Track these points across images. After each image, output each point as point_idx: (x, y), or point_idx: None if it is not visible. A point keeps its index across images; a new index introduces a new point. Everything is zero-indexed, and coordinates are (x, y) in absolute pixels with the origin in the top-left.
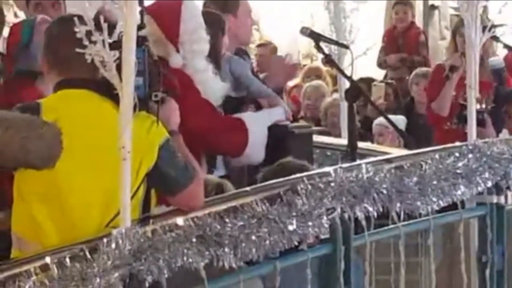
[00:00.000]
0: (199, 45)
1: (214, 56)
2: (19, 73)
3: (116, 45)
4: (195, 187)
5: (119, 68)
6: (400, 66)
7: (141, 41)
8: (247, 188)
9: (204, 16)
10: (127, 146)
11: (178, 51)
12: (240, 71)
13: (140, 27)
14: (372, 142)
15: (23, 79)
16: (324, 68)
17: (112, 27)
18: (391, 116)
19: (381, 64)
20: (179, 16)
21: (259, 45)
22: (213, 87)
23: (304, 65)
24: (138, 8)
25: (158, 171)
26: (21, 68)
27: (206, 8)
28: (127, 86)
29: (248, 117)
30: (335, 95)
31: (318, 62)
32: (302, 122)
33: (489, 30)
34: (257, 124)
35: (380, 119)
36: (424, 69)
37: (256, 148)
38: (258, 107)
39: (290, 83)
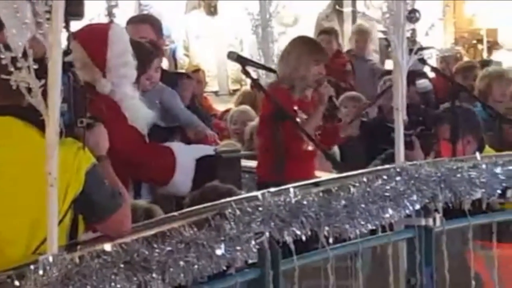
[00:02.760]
0: (126, 70)
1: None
2: None
3: (42, 71)
4: (122, 213)
5: (44, 95)
6: None
7: (67, 67)
8: (175, 213)
9: (133, 45)
10: (54, 172)
11: (105, 76)
12: (170, 102)
13: (66, 52)
14: None
15: None
16: (258, 93)
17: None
18: None
19: None
20: (106, 41)
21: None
22: (140, 113)
23: (234, 90)
24: (64, 34)
25: (85, 197)
26: None
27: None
28: (53, 112)
29: (176, 146)
30: None
31: (248, 87)
32: (231, 144)
33: (416, 53)
34: (185, 154)
35: None
36: (353, 92)
37: (183, 177)
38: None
39: (222, 108)
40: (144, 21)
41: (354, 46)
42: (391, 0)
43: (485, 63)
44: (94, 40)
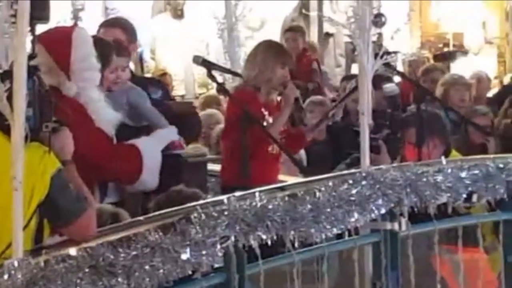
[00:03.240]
0: (91, 73)
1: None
2: None
3: (7, 75)
4: (87, 217)
5: (10, 99)
6: None
7: (32, 71)
8: (141, 218)
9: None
10: (19, 176)
11: (70, 79)
12: (137, 101)
13: (32, 56)
14: None
15: None
16: (222, 97)
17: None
18: None
19: None
20: (70, 44)
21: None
22: (106, 116)
23: (201, 94)
24: (29, 37)
25: (50, 201)
26: None
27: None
28: (19, 117)
29: (141, 142)
30: None
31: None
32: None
33: (381, 57)
34: (151, 149)
35: None
36: (319, 97)
37: (150, 174)
38: None
39: None
40: (115, 25)
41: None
42: (357, 5)
43: (451, 55)
44: (58, 43)
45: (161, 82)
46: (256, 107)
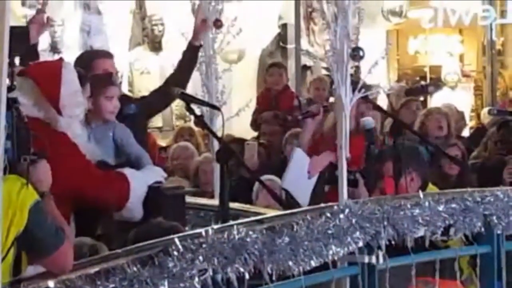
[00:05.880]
0: (78, 109)
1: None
2: None
3: None
4: (65, 249)
5: None
6: (274, 123)
7: (11, 103)
8: (119, 250)
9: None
10: None
11: (60, 114)
12: (122, 138)
13: (10, 88)
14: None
15: None
16: (196, 129)
17: None
18: (267, 176)
19: (253, 125)
20: (60, 79)
21: None
22: (88, 152)
23: (177, 126)
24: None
25: (28, 233)
26: None
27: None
28: None
29: (128, 170)
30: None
31: (191, 123)
32: (176, 181)
33: (359, 91)
34: (138, 179)
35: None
36: (298, 129)
37: (137, 202)
38: None
39: (162, 143)
40: (108, 56)
41: (313, 95)
42: (334, 38)
43: (423, 89)
44: (48, 78)
45: (128, 96)
46: None
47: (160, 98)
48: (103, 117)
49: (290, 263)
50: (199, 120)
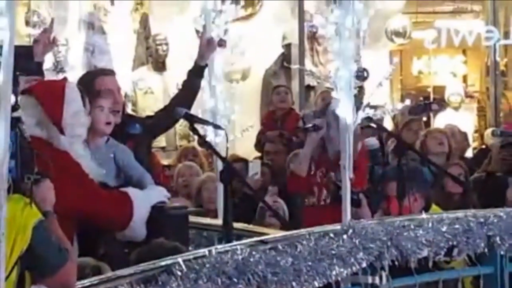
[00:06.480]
0: (80, 129)
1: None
2: None
3: None
4: (68, 269)
5: None
6: (278, 142)
7: (14, 123)
8: (122, 270)
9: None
10: (1, 228)
11: (62, 133)
12: (123, 159)
13: (14, 108)
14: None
15: None
16: (200, 149)
17: None
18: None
19: (257, 146)
20: (63, 99)
21: None
22: (91, 173)
23: (181, 146)
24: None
25: (31, 252)
26: None
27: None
28: (2, 168)
29: (132, 191)
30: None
31: (195, 143)
32: (179, 201)
33: (363, 111)
34: (141, 199)
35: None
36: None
37: (140, 222)
38: None
39: (165, 162)
40: (112, 74)
41: (320, 107)
42: (338, 59)
43: (426, 108)
44: (51, 97)
45: (133, 116)
46: None
47: (165, 118)
48: (100, 130)
49: (294, 283)
50: (203, 140)
